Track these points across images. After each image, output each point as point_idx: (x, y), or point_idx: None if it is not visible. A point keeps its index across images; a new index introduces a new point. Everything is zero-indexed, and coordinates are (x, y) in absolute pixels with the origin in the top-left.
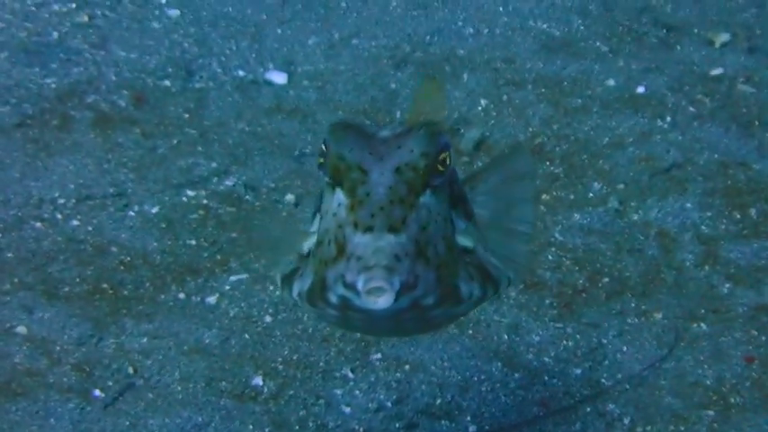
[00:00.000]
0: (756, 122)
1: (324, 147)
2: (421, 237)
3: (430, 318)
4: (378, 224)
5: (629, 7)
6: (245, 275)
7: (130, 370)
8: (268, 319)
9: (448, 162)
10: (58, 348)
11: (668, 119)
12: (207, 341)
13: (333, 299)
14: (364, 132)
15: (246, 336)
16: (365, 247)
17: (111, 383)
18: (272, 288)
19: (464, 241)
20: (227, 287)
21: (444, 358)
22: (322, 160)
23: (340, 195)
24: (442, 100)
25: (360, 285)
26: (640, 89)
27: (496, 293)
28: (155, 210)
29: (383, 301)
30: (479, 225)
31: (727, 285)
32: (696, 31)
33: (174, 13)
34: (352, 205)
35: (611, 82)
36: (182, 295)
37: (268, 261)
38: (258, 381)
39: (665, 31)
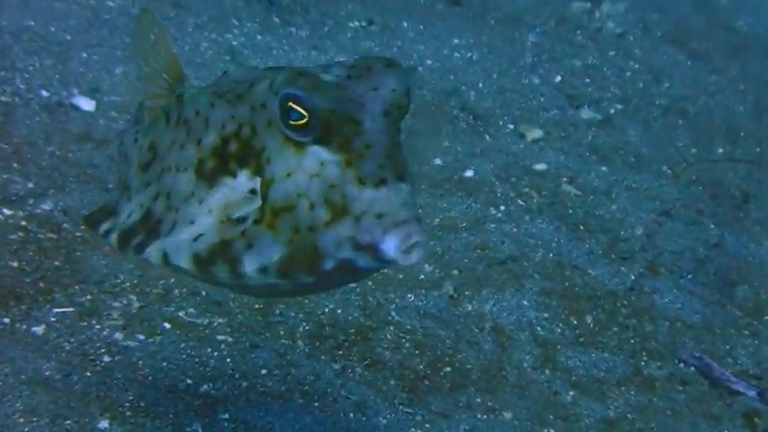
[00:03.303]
0: (582, 227)
1: (294, 104)
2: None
3: None
4: (389, 175)
5: (438, 88)
6: (70, 309)
7: None
8: (106, 358)
9: None
10: None
11: (502, 208)
12: (47, 374)
13: (328, 265)
14: (330, 80)
15: (88, 374)
16: (386, 202)
17: None
18: (98, 327)
19: None
20: (53, 318)
21: (296, 428)
22: (303, 120)
23: (321, 153)
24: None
25: (393, 243)
26: (469, 173)
27: None
28: None
29: (418, 256)
30: None
31: (572, 393)
32: (501, 123)
33: None
34: (349, 160)
35: (438, 161)
36: (6, 320)
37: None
38: (105, 424)
39: (472, 117)
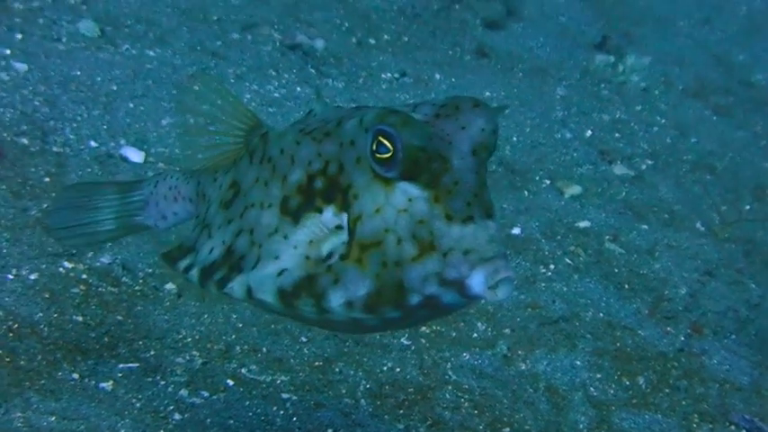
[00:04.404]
0: (627, 286)
1: (385, 139)
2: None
3: None
4: (477, 213)
5: None
6: (135, 364)
7: None
8: (177, 416)
9: None
10: None
11: (551, 267)
12: (122, 431)
13: (414, 300)
14: (420, 119)
15: None
16: (474, 238)
17: None
18: (163, 383)
19: None
20: (119, 374)
21: None
22: (388, 154)
23: (410, 189)
24: (233, 101)
25: (480, 279)
26: (516, 230)
27: None
28: (33, 276)
29: (506, 291)
30: None
31: None
32: (538, 178)
33: (22, 67)
34: (437, 197)
35: None
36: (75, 375)
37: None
38: None
39: (510, 172)
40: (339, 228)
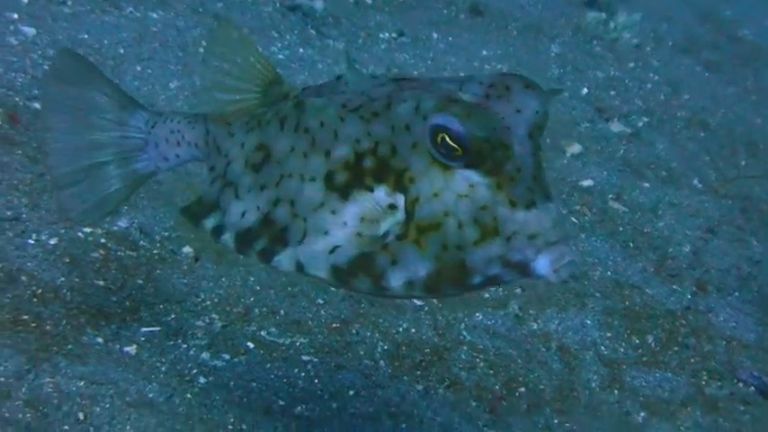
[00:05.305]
0: (631, 244)
1: (448, 131)
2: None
3: None
4: (538, 197)
5: None
6: (157, 328)
7: (81, 415)
8: (202, 380)
9: None
10: (1, 379)
11: None
12: (150, 395)
13: (476, 281)
14: (476, 104)
15: (189, 396)
16: (538, 223)
17: (67, 428)
18: (185, 346)
19: None
20: (142, 338)
21: None
22: (457, 152)
23: (472, 176)
24: (254, 52)
25: (546, 263)
26: None
27: None
28: (53, 241)
29: (568, 272)
30: None
31: (642, 414)
32: None
33: (30, 31)
34: (499, 183)
35: None
36: (99, 339)
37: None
38: None
39: None
40: (392, 207)
